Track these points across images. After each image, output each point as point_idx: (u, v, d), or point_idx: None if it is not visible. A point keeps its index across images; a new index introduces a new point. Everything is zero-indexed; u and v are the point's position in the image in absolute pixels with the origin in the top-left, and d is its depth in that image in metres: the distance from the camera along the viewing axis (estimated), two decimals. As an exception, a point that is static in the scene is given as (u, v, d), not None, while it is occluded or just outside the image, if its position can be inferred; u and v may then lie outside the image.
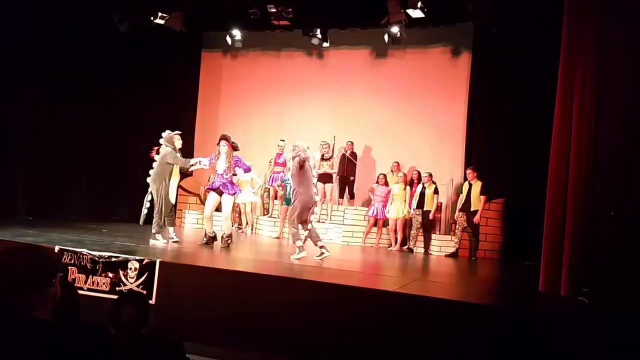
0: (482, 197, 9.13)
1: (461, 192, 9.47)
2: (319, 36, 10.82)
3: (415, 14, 9.25)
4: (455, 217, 9.46)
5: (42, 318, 1.76)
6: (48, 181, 10.56)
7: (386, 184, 10.07)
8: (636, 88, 5.48)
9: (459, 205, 9.40)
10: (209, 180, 9.17)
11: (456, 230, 9.43)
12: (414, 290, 5.50)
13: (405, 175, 10.13)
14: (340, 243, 10.05)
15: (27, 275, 1.75)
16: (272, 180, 11.01)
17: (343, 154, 10.81)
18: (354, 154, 10.84)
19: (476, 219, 9.07)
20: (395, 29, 9.90)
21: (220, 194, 8.03)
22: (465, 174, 9.66)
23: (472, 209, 9.14)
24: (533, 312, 5.25)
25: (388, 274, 7.42)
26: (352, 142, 10.87)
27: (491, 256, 9.55)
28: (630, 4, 5.55)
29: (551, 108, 6.20)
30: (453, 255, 9.30)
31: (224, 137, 8.30)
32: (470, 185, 9.25)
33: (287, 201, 9.60)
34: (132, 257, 5.95)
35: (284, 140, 11.07)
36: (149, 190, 8.30)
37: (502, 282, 7.91)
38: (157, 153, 10.96)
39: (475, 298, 5.89)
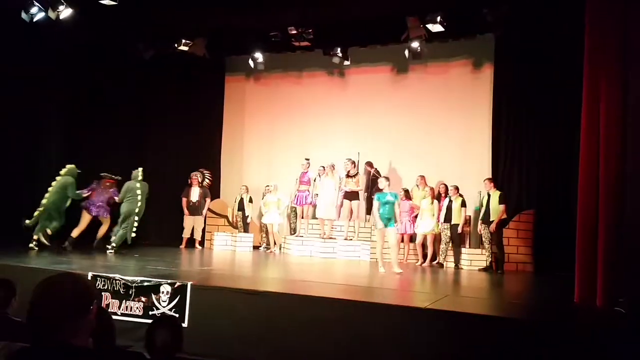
0: (501, 206, 9.00)
1: (481, 205, 9.36)
2: (340, 55, 10.93)
3: (435, 28, 9.27)
4: (478, 230, 9.33)
5: (80, 345, 1.79)
6: (79, 209, 10.74)
7: (408, 198, 10.01)
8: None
9: (480, 218, 9.30)
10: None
11: (485, 244, 9.29)
12: (446, 306, 5.43)
13: (432, 189, 10.07)
14: (369, 260, 10.01)
15: (66, 303, 1.78)
16: (298, 199, 11.07)
17: (367, 172, 10.81)
18: (377, 171, 10.84)
19: (491, 227, 8.94)
20: (415, 44, 9.94)
21: None
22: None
23: (491, 219, 9.03)
24: (570, 324, 5.13)
25: (418, 290, 7.35)
26: (371, 163, 10.86)
27: (524, 268, 9.39)
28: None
29: (577, 116, 6.13)
30: (487, 269, 9.15)
31: None
32: (489, 195, 9.15)
33: (387, 221, 8.22)
34: (164, 280, 6.02)
35: (308, 159, 11.14)
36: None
37: (537, 294, 7.76)
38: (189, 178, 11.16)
39: (510, 312, 5.78)
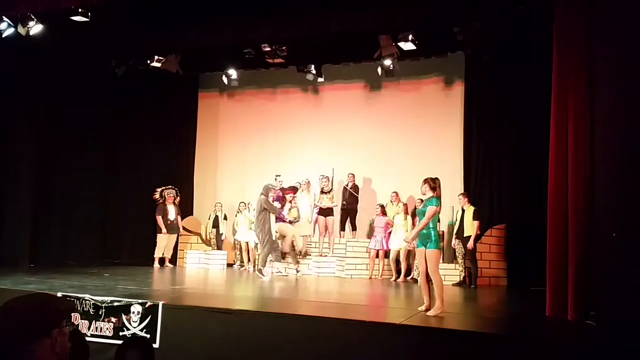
0: (476, 222, 9.07)
1: (455, 220, 9.45)
2: (314, 72, 10.98)
3: (407, 46, 9.39)
4: (453, 245, 9.41)
5: None
6: (49, 228, 10.56)
7: (384, 214, 10.06)
8: (628, 108, 5.54)
9: (454, 233, 9.38)
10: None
11: (458, 258, 9.37)
12: (420, 322, 5.44)
13: (406, 205, 10.13)
14: (344, 276, 9.99)
15: (22, 324, 1.73)
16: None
17: (344, 186, 10.86)
18: (355, 187, 10.88)
19: (469, 244, 8.99)
20: (387, 62, 10.05)
21: None
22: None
23: (465, 235, 9.10)
24: (541, 338, 5.18)
25: (393, 305, 7.35)
26: (353, 175, 10.93)
27: (496, 283, 9.48)
28: (617, 29, 5.65)
29: (547, 132, 6.26)
30: (460, 284, 9.22)
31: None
32: (464, 211, 9.25)
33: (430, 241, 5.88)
34: (134, 300, 5.90)
35: (280, 176, 11.13)
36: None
37: (509, 309, 7.82)
38: (160, 195, 11.15)
39: (483, 327, 5.81)
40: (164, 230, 11.05)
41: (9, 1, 8.52)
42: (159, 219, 11.07)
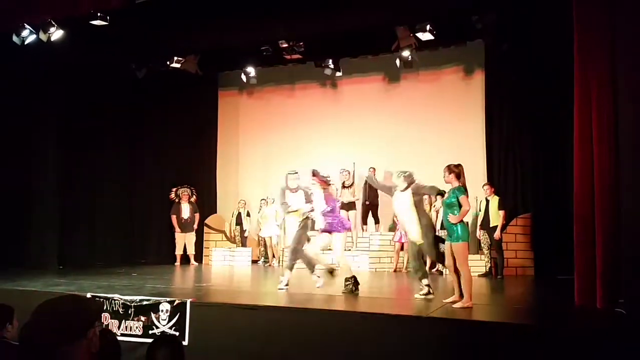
0: (501, 212, 8.98)
1: (479, 210, 9.36)
2: (331, 66, 10.96)
3: (425, 36, 9.31)
4: (478, 236, 9.32)
5: None
6: (76, 229, 10.73)
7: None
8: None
9: (478, 223, 9.29)
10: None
11: (484, 249, 9.29)
12: (447, 314, 5.41)
13: (429, 197, 10.06)
14: (368, 270, 9.98)
15: (58, 327, 1.74)
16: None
17: (366, 180, 10.83)
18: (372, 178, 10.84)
19: (496, 234, 8.92)
20: (406, 53, 9.98)
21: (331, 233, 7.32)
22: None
23: (491, 225, 9.02)
24: (571, 327, 5.12)
25: (419, 298, 7.31)
26: (374, 169, 10.89)
27: (523, 273, 9.38)
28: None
29: (570, 118, 6.16)
30: (486, 274, 9.15)
31: (314, 173, 7.68)
32: (488, 201, 9.15)
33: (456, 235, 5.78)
34: (163, 299, 5.98)
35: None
36: None
37: (537, 298, 7.74)
38: (176, 194, 11.36)
39: (512, 318, 5.77)
40: (177, 229, 11.32)
41: (30, 9, 8.65)
42: (173, 218, 11.37)
